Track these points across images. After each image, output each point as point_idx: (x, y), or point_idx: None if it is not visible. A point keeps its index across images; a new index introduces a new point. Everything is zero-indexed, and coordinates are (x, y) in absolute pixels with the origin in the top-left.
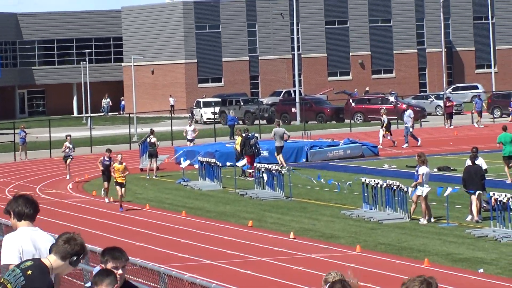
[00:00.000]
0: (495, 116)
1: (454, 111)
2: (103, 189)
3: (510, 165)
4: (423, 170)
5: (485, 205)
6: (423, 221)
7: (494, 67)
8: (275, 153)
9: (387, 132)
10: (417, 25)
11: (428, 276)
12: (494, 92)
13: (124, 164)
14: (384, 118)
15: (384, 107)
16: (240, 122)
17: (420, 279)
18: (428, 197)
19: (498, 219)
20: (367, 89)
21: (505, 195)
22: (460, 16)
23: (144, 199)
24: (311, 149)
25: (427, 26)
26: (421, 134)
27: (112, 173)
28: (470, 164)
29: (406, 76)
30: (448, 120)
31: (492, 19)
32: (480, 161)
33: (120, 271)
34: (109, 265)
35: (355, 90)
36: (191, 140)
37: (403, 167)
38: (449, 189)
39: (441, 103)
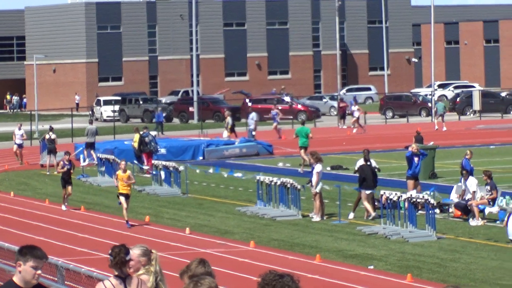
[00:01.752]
0: (387, 117)
1: (347, 112)
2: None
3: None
4: (318, 168)
5: (376, 203)
6: (315, 218)
7: (387, 70)
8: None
9: (231, 134)
10: (313, 28)
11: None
12: (386, 94)
13: (128, 172)
14: (229, 119)
15: (226, 109)
16: (140, 120)
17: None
18: (322, 195)
19: (388, 217)
20: (283, 86)
21: (395, 194)
22: (355, 20)
23: (44, 194)
24: (208, 147)
25: (322, 29)
26: (316, 133)
27: (115, 182)
28: (364, 163)
29: (301, 77)
30: (342, 120)
31: (385, 23)
32: (371, 161)
33: (39, 271)
34: (29, 264)
35: (273, 89)
36: (19, 145)
37: (297, 166)
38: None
39: (335, 103)
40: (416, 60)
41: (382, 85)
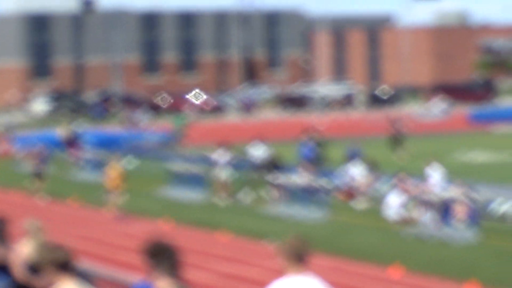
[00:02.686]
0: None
1: (249, 106)
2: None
3: None
4: (224, 156)
5: (272, 187)
6: (222, 201)
7: (282, 69)
8: None
9: None
10: (217, 31)
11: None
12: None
13: (120, 169)
14: None
15: None
16: None
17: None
18: None
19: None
20: None
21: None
22: (253, 24)
23: None
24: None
25: (224, 31)
26: (221, 126)
27: (107, 179)
28: None
29: (207, 77)
30: (246, 114)
31: (281, 27)
32: None
33: None
34: None
35: None
36: None
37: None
38: None
39: (237, 100)
40: (306, 63)
41: (279, 83)
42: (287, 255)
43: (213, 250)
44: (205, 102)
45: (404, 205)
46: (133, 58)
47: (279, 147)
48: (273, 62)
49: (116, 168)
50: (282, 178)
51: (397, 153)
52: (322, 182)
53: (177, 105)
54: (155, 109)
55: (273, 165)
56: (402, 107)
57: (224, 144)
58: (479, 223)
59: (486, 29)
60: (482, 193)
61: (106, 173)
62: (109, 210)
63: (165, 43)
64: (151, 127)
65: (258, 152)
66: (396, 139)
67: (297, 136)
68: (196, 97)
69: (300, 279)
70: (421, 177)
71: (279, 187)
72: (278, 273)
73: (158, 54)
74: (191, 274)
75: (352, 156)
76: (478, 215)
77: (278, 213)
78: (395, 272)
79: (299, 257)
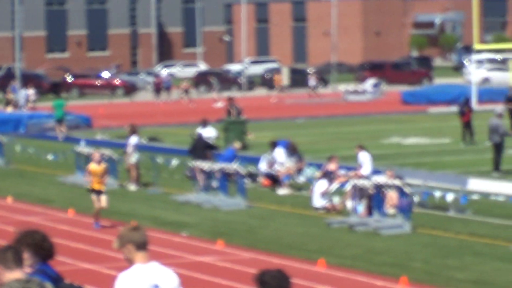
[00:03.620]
0: (200, 91)
1: (162, 87)
2: None
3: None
4: (133, 139)
5: (188, 173)
6: (132, 187)
7: (201, 47)
8: None
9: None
10: (131, 7)
11: None
12: (204, 71)
13: (104, 165)
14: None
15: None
16: None
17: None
18: (138, 165)
19: (203, 186)
20: (119, 62)
21: (207, 164)
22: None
23: None
24: (30, 120)
25: (139, 8)
26: (133, 107)
27: (87, 177)
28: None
29: (119, 54)
30: (158, 95)
31: (199, 3)
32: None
33: None
34: None
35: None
36: None
37: (114, 137)
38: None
39: (151, 79)
40: (228, 39)
41: (196, 62)
42: (132, 244)
43: None
44: (116, 81)
45: (332, 192)
46: (38, 32)
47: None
48: (190, 38)
49: None
50: (203, 163)
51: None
52: (243, 167)
53: (84, 84)
54: (56, 87)
55: (207, 148)
56: (329, 87)
57: (134, 126)
58: (413, 212)
59: (422, 3)
60: (415, 180)
61: None
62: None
63: (72, 17)
64: (37, 108)
65: (209, 133)
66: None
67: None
68: (107, 75)
69: (147, 267)
70: (352, 162)
71: (199, 172)
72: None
73: (65, 29)
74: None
75: (278, 141)
76: (412, 203)
77: (196, 200)
78: (320, 265)
79: (143, 246)
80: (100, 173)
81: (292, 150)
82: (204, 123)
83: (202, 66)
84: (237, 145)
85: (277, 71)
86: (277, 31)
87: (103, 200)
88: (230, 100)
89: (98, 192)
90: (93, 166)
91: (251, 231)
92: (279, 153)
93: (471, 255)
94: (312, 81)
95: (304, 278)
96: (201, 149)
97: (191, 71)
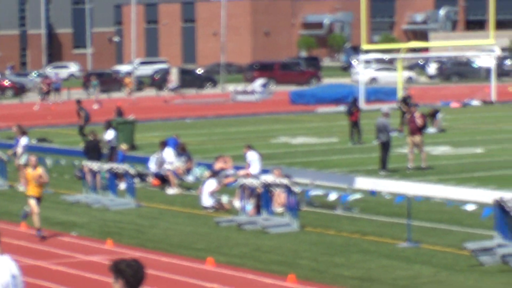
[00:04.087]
0: (89, 92)
1: (52, 88)
2: None
3: None
4: (23, 140)
5: (77, 174)
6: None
7: (90, 48)
8: None
9: None
10: (20, 7)
11: None
12: (89, 71)
13: (40, 169)
14: None
15: None
16: None
17: None
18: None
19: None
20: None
21: (96, 164)
22: (60, 0)
23: None
24: None
25: (29, 8)
26: (21, 108)
27: (22, 183)
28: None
29: (9, 55)
30: (46, 96)
31: (89, 4)
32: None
33: None
34: None
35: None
36: None
37: (4, 139)
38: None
39: (40, 80)
40: (117, 40)
41: (85, 62)
42: None
43: (16, 243)
44: (6, 82)
45: (219, 192)
46: None
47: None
48: (80, 39)
49: None
50: (93, 164)
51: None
52: (132, 167)
53: None
54: None
55: (97, 150)
56: (218, 87)
57: (22, 127)
58: (300, 210)
59: (310, 4)
60: (303, 179)
61: None
62: None
63: None
64: None
65: (109, 136)
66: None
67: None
68: None
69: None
70: (240, 161)
71: (89, 172)
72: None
73: None
74: None
75: (168, 141)
76: (300, 202)
77: (86, 200)
78: (209, 263)
79: None
80: (36, 177)
81: (181, 150)
82: (108, 125)
83: (73, 68)
84: (124, 146)
85: (167, 71)
86: (167, 31)
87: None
88: (79, 103)
89: (37, 199)
90: (29, 171)
91: (140, 231)
92: (168, 153)
93: (358, 253)
94: (172, 84)
95: (192, 276)
96: (96, 150)
97: (64, 73)
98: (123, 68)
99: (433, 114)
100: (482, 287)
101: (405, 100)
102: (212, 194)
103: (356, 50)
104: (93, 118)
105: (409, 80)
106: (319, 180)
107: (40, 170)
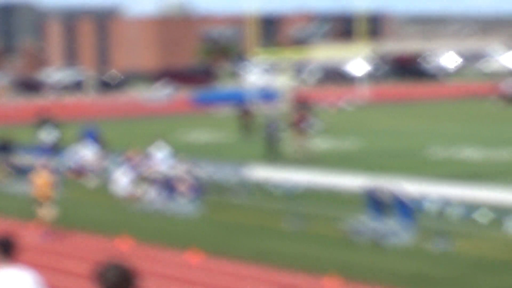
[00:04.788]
0: None
1: None
2: None
3: None
4: None
5: None
6: None
7: None
8: None
9: None
10: None
11: None
12: None
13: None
14: None
15: None
16: None
17: None
18: None
19: None
20: None
21: None
22: None
23: None
24: None
25: None
26: None
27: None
28: None
29: None
30: None
31: None
32: None
33: None
34: None
35: None
36: None
37: None
38: None
39: None
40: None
41: None
42: None
43: None
44: None
45: (132, 182)
46: None
47: (14, 130)
48: (8, 50)
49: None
50: (13, 158)
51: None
52: (54, 161)
53: None
54: None
55: (6, 146)
56: (129, 92)
57: None
58: (202, 198)
59: (206, 19)
60: (204, 170)
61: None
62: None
63: None
64: None
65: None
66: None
67: (31, 120)
68: None
69: (8, 272)
70: (146, 155)
71: (8, 167)
72: None
73: None
74: None
75: (85, 137)
76: (201, 190)
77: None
78: (124, 243)
79: (4, 248)
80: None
81: (96, 142)
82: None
83: None
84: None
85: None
86: (84, 44)
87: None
88: None
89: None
90: (38, 178)
91: (62, 218)
92: (86, 147)
93: (251, 233)
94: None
95: (106, 255)
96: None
97: None
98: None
99: (309, 114)
100: (354, 261)
101: (294, 101)
102: (127, 183)
103: (243, 58)
104: None
105: (294, 83)
106: (217, 170)
107: (49, 179)
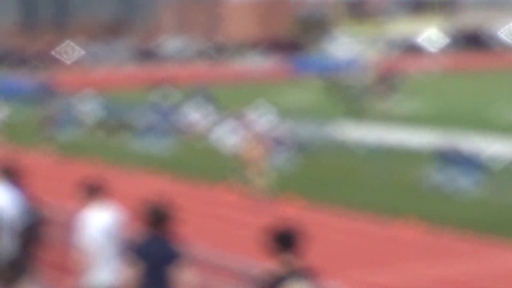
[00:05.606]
0: None
1: None
2: None
3: None
4: None
5: None
6: None
7: None
8: None
9: None
10: None
11: None
12: None
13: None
14: None
15: None
16: None
17: None
18: None
19: None
20: None
21: None
22: None
23: None
24: None
25: None
26: None
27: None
28: None
29: None
30: None
31: None
32: None
33: None
34: None
35: None
36: None
37: None
38: None
39: None
40: None
41: None
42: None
43: None
44: None
45: (242, 140)
46: None
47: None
48: (126, 21)
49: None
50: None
51: None
52: None
53: None
54: None
55: None
56: (236, 60)
57: None
58: (299, 155)
59: (299, 2)
60: (304, 128)
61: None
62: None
63: None
64: None
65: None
66: None
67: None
68: None
69: (92, 211)
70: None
71: None
72: None
73: None
74: None
75: (198, 97)
76: (299, 148)
77: None
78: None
79: (92, 191)
80: None
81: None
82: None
83: None
84: None
85: None
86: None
87: None
88: None
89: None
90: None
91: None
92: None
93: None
94: None
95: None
96: None
97: None
98: None
99: (393, 81)
100: (430, 209)
101: (379, 71)
102: (235, 141)
103: (332, 32)
104: None
105: (377, 54)
106: (316, 129)
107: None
